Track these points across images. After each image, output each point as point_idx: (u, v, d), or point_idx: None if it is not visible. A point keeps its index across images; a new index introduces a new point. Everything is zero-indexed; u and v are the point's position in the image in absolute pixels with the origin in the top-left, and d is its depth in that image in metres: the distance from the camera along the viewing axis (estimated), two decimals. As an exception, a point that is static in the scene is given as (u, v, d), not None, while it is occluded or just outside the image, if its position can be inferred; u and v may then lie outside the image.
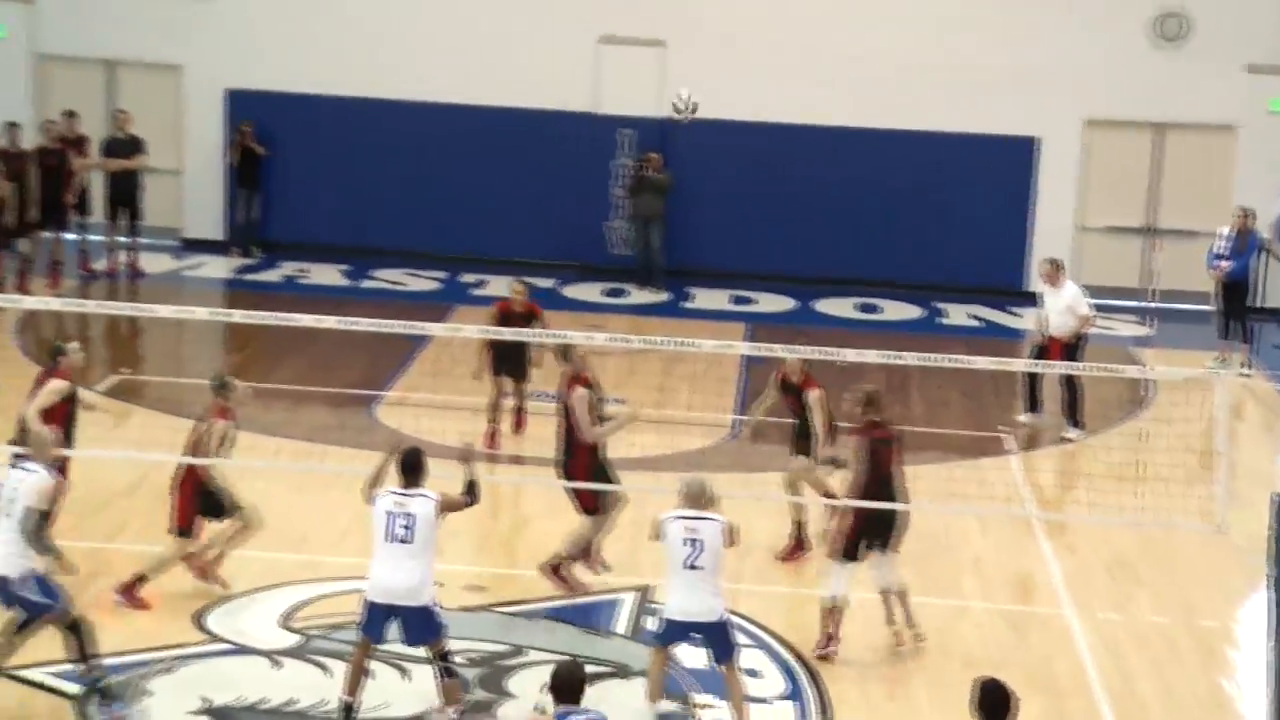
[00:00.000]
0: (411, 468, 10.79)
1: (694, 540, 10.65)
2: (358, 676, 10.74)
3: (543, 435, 15.62)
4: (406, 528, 10.56)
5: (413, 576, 10.57)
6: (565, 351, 13.13)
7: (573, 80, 23.59)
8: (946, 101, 23.46)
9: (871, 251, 23.94)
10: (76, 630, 10.53)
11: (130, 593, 12.20)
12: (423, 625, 10.65)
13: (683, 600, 10.73)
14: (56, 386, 12.85)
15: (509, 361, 16.04)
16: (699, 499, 10.86)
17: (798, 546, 13.93)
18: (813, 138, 23.83)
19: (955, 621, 13.01)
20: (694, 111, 18.40)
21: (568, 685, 8.56)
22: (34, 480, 10.54)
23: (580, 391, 12.87)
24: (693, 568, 10.65)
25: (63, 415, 12.75)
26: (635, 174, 23.66)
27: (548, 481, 13.57)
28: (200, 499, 12.41)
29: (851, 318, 22.97)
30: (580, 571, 12.95)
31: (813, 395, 13.63)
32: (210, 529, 12.59)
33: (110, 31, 23.82)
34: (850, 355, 12.88)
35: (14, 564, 10.40)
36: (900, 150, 23.81)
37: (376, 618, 10.67)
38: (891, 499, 12.16)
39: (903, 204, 23.90)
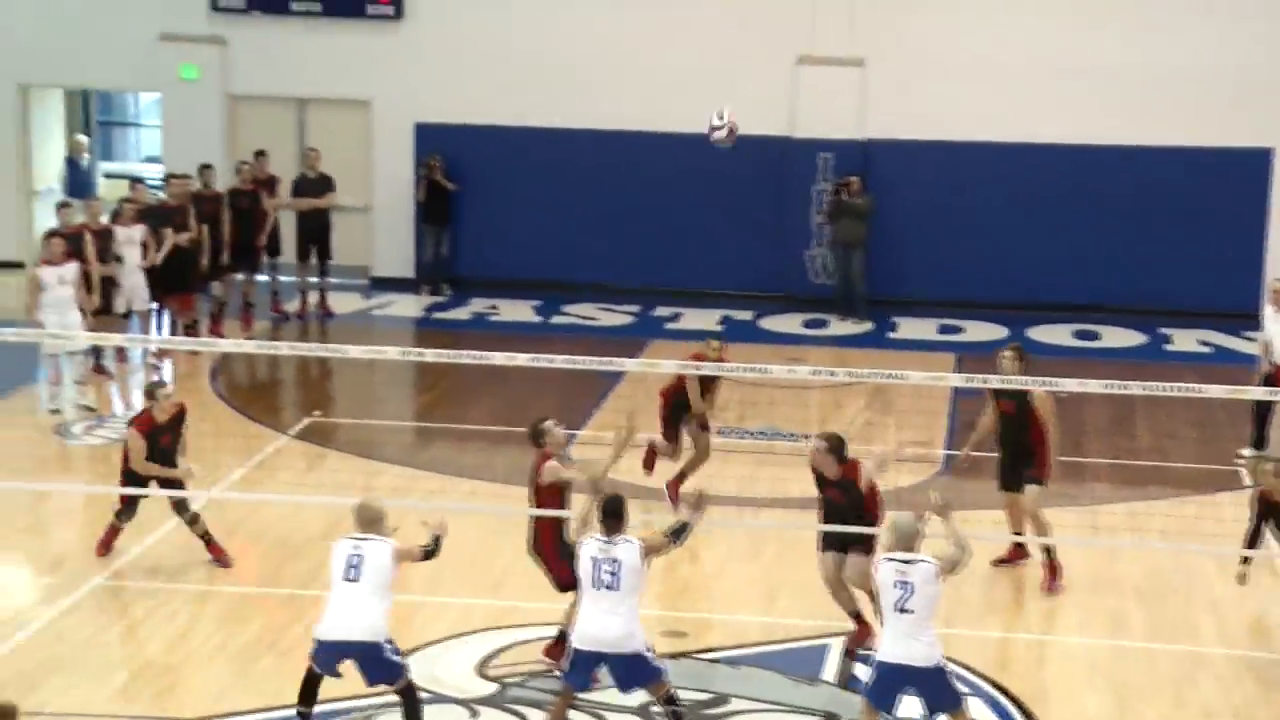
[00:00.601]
0: (614, 514, 10.75)
1: (904, 583, 10.44)
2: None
3: (736, 474, 15.61)
4: (612, 574, 10.53)
5: (622, 624, 10.53)
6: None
7: (769, 103, 23.46)
8: (1171, 113, 22.97)
9: (1089, 274, 23.48)
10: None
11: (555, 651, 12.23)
12: (637, 671, 10.60)
13: (893, 646, 10.52)
14: (132, 440, 13.54)
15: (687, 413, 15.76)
16: (910, 540, 10.66)
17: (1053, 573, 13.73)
18: (1021, 156, 23.48)
19: (1193, 670, 12.61)
20: (732, 134, 17.02)
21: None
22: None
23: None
24: (904, 611, 10.44)
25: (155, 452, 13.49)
26: (834, 199, 23.48)
27: (745, 524, 13.46)
28: (563, 547, 12.19)
29: (1069, 345, 22.52)
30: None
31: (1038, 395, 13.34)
32: None
33: (300, 70, 24.26)
34: (1071, 385, 12.57)
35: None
36: (1119, 166, 23.34)
37: (582, 666, 10.63)
38: None
39: (1123, 223, 23.40)
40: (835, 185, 23.54)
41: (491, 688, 12.00)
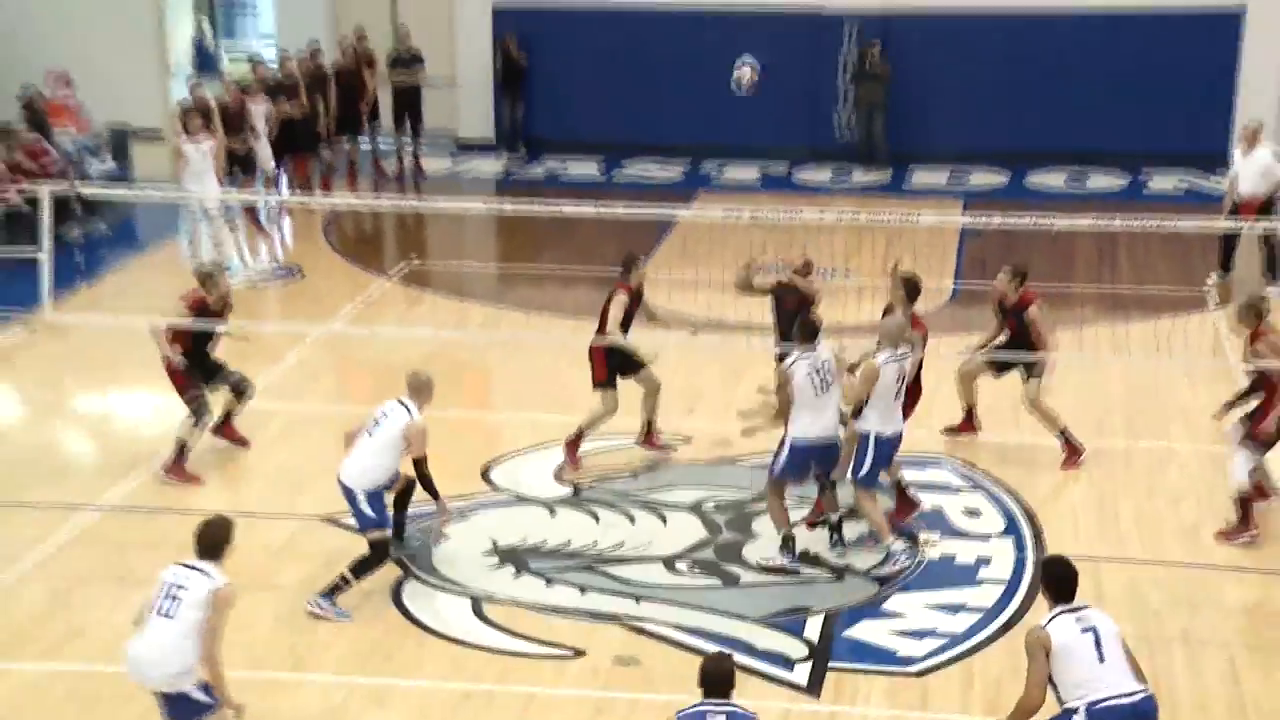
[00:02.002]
0: (811, 333, 10.97)
1: (904, 376, 10.95)
2: (784, 512, 10.99)
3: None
4: (825, 381, 10.78)
5: (833, 422, 10.91)
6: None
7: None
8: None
9: (1079, 126, 23.17)
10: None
11: (573, 450, 12.51)
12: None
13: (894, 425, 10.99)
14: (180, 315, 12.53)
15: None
16: (898, 337, 11.00)
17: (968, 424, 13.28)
18: (1020, 25, 23.07)
19: (1164, 463, 12.74)
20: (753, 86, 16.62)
21: (717, 680, 7.44)
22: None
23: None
24: (898, 397, 10.89)
25: (185, 340, 12.35)
26: (858, 64, 23.27)
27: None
28: (612, 358, 12.39)
29: (1062, 189, 22.36)
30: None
31: (1031, 310, 12.64)
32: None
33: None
34: (1062, 222, 12.54)
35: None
36: (1107, 30, 22.95)
37: (800, 460, 10.88)
38: None
39: (1110, 80, 23.02)
40: (859, 52, 23.31)
41: (566, 490, 12.25)
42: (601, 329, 12.39)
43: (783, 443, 10.92)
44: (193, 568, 8.20)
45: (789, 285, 12.96)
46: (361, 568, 10.34)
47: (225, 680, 8.09)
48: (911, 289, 12.04)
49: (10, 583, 10.65)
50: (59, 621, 10.18)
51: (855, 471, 10.93)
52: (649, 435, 12.86)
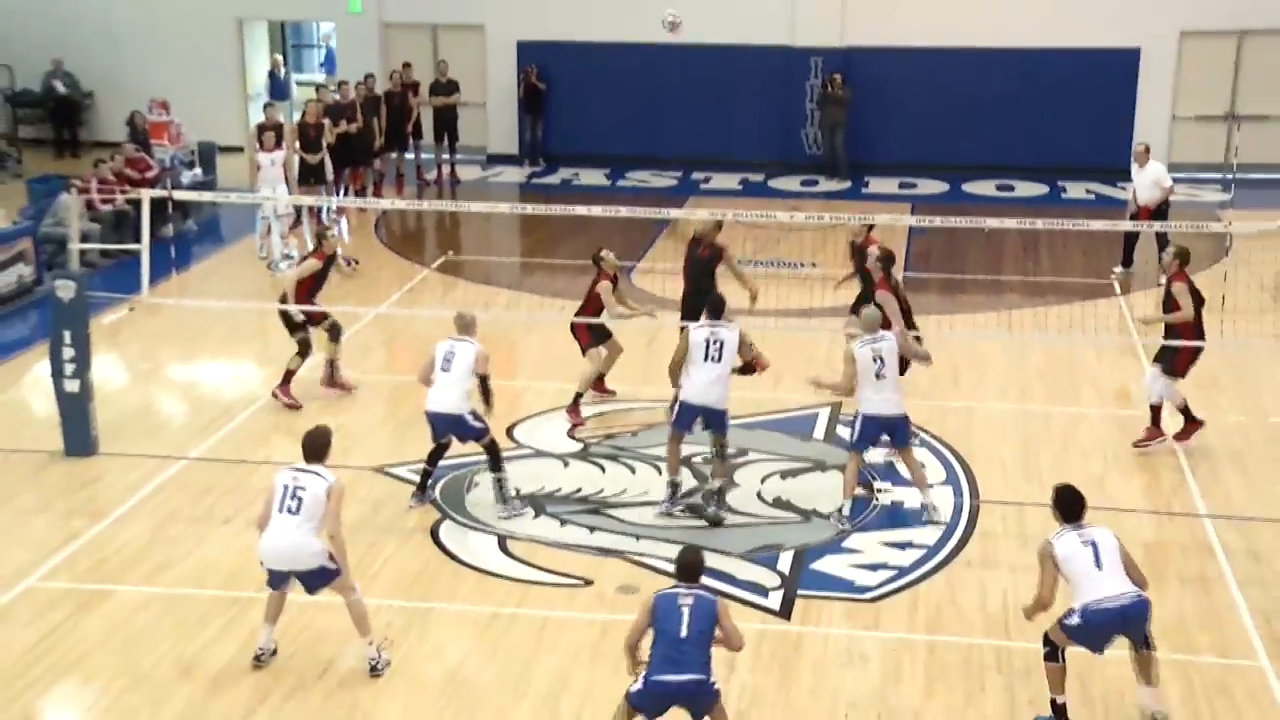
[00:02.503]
0: (716, 310, 10.65)
1: (879, 358, 10.37)
2: (677, 460, 10.72)
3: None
4: (720, 351, 10.41)
5: (721, 389, 10.46)
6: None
7: (774, 21, 23.06)
8: (1065, 21, 22.48)
9: (1008, 143, 23.04)
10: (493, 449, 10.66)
11: (575, 409, 12.44)
12: (721, 421, 10.58)
13: (879, 405, 10.39)
14: (310, 264, 12.77)
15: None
16: (874, 325, 10.60)
17: None
18: (960, 58, 22.90)
19: (1076, 424, 12.64)
20: (677, 27, 16.80)
21: (688, 568, 7.50)
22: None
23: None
24: (880, 377, 10.41)
25: (310, 285, 12.73)
26: (822, 91, 23.09)
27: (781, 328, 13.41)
28: (593, 330, 12.50)
29: (993, 195, 22.21)
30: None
31: (871, 251, 12.58)
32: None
33: (434, 2, 23.95)
34: (993, 223, 12.41)
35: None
36: (1030, 63, 22.79)
37: (688, 416, 10.54)
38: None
39: (1032, 104, 22.92)
40: (823, 81, 23.14)
41: (577, 446, 12.15)
42: (586, 308, 12.39)
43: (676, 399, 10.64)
44: (306, 471, 8.40)
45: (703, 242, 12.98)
46: (499, 464, 10.58)
47: (346, 554, 8.43)
48: (888, 260, 12.21)
49: (116, 520, 10.57)
50: (155, 553, 10.09)
51: (850, 440, 10.72)
52: (600, 383, 12.85)
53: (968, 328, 15.12)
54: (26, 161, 22.69)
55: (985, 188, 22.58)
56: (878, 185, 22.77)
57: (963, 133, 23.17)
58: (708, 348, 10.48)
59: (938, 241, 18.27)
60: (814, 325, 14.66)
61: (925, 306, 14.78)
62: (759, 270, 17.32)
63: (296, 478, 8.36)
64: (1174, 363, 11.71)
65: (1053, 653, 7.91)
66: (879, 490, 11.17)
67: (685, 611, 7.23)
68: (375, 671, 8.50)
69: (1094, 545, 7.78)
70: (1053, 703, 7.95)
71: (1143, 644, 7.88)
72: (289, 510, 8.27)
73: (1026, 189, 22.50)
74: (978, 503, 10.97)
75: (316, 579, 8.41)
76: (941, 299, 16.39)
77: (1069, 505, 8.01)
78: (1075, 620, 7.75)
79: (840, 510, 10.58)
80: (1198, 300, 11.68)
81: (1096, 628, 7.73)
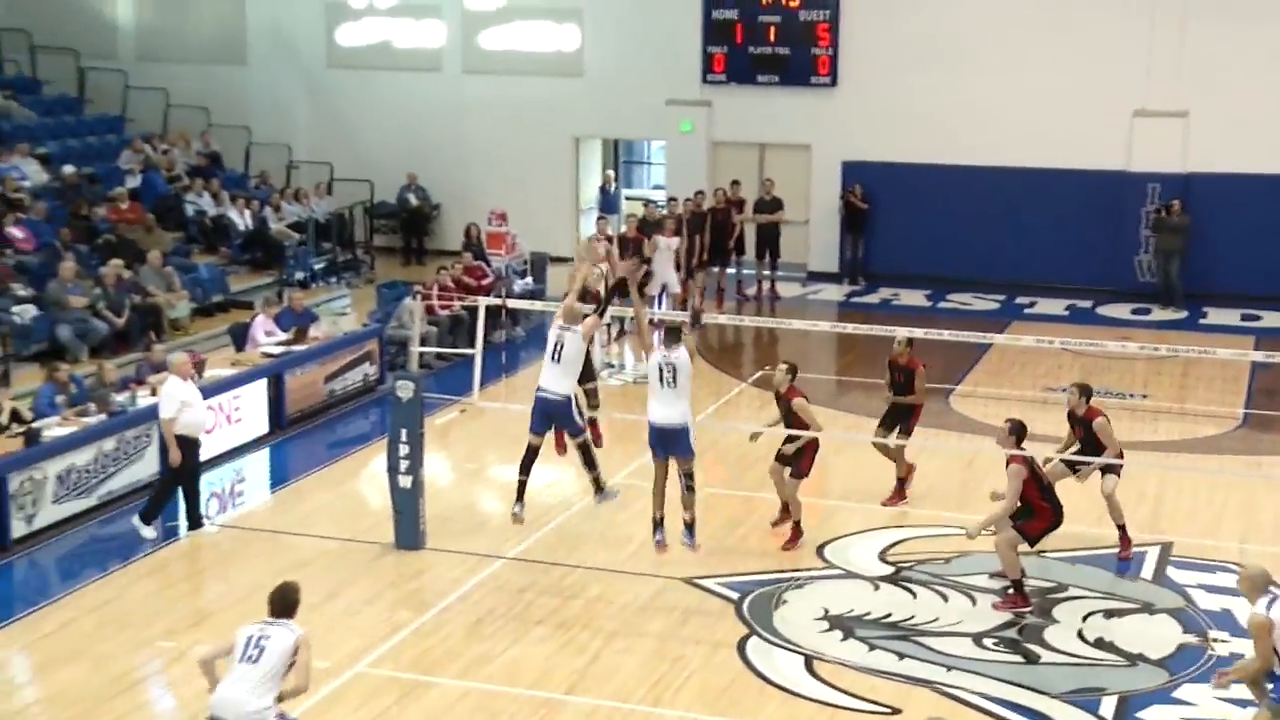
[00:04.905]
0: (672, 335, 11.15)
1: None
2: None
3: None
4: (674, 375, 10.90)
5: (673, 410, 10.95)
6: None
7: (1111, 145, 22.46)
8: None
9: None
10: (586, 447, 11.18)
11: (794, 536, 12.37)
12: (684, 442, 11.09)
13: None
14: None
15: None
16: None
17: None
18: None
19: None
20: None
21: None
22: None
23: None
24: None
25: None
26: (1159, 217, 22.25)
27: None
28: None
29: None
30: None
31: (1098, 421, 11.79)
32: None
33: (763, 123, 24.42)
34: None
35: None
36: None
37: (653, 438, 11.03)
38: None
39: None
40: (1160, 207, 22.30)
41: (889, 569, 11.92)
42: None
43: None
44: (273, 624, 7.95)
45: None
46: (592, 461, 11.07)
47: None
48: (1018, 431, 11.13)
49: (439, 613, 11.00)
50: (473, 648, 10.44)
51: None
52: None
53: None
54: (378, 268, 24.30)
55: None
56: (1217, 316, 21.66)
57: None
58: (661, 373, 10.83)
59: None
60: (1145, 459, 13.98)
61: (1271, 447, 13.88)
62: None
63: (263, 629, 7.90)
64: None
65: None
66: (1214, 640, 10.47)
67: None
68: None
69: None
70: None
71: None
72: (249, 659, 7.80)
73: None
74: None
75: None
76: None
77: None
78: None
79: None
80: None
81: None
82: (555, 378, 10.98)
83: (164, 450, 12.53)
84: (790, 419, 12.33)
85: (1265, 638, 8.24)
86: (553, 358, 10.98)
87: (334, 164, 25.00)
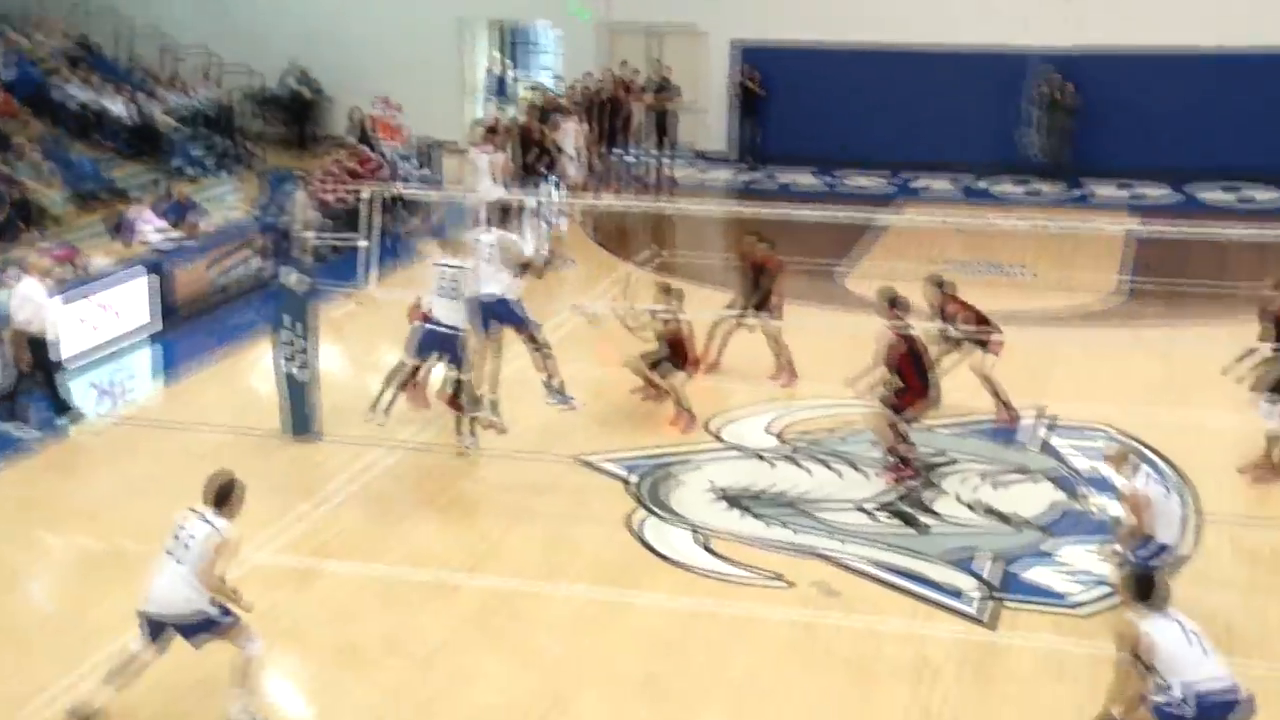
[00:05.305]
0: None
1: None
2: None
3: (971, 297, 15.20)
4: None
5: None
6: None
7: (998, 23, 22.59)
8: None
9: (1242, 145, 22.02)
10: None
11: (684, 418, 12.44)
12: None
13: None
14: None
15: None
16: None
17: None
18: (1188, 62, 22.06)
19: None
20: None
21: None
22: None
23: None
24: None
25: None
26: (1052, 98, 22.51)
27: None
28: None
29: (1224, 203, 21.26)
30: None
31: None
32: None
33: (655, 6, 24.20)
34: (1228, 233, 11.87)
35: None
36: (1269, 65, 21.77)
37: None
38: None
39: (1267, 108, 21.88)
40: (1050, 87, 22.57)
41: (778, 443, 12.10)
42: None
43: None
44: (197, 514, 7.77)
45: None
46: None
47: (235, 594, 7.89)
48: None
49: (337, 503, 10.99)
50: (371, 535, 10.47)
51: None
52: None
53: (1192, 339, 14.51)
54: (266, 159, 23.76)
55: (1216, 194, 21.65)
56: (1099, 191, 22.08)
57: (1192, 136, 22.25)
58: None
59: (1162, 250, 17.59)
60: (1027, 332, 14.29)
61: (1147, 316, 14.29)
62: (972, 273, 17.01)
63: (187, 518, 7.74)
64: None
65: None
66: (1089, 501, 10.84)
67: None
68: None
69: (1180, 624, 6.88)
70: None
71: None
72: (175, 555, 7.66)
73: (1264, 195, 21.48)
74: (1200, 519, 10.53)
75: (198, 629, 7.75)
76: (1165, 308, 15.79)
77: (1151, 588, 6.96)
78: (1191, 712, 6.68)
79: None
80: None
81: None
82: (447, 311, 11.17)
83: (35, 348, 12.24)
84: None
85: (1147, 509, 8.48)
86: (446, 294, 11.10)
87: (217, 53, 24.32)
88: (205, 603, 7.71)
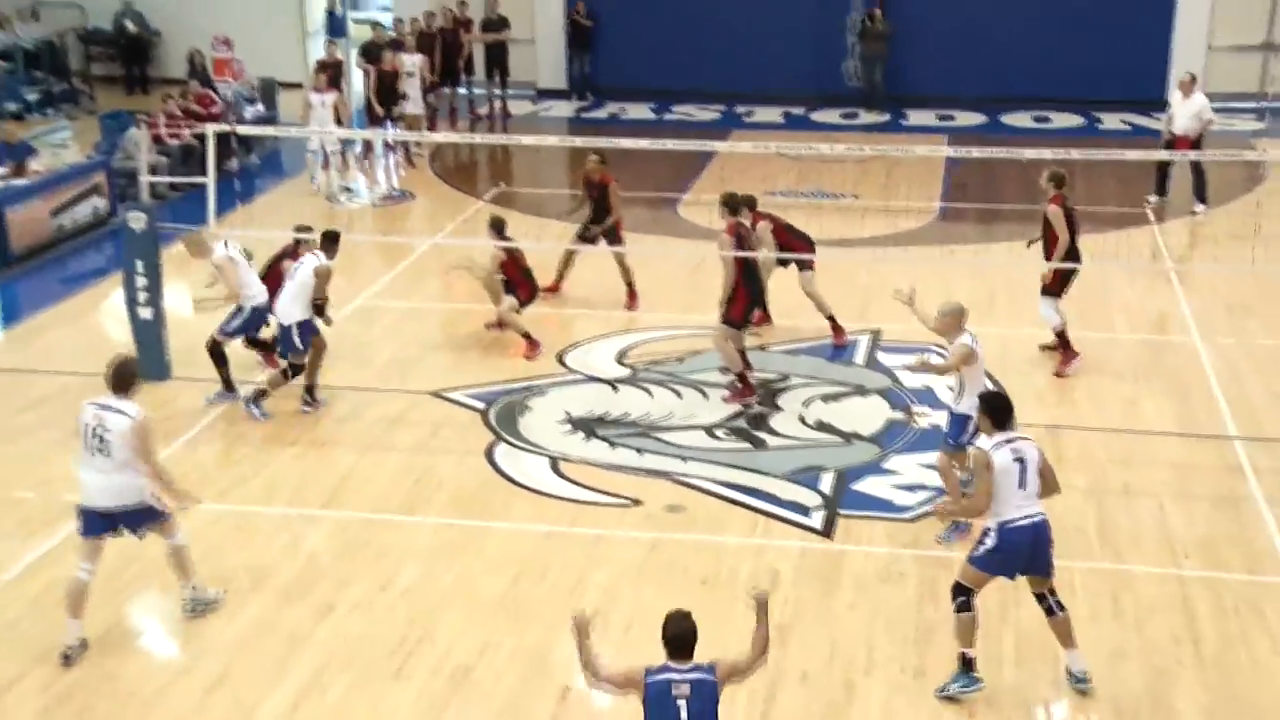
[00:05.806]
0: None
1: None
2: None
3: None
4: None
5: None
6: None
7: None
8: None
9: (1045, 75, 22.62)
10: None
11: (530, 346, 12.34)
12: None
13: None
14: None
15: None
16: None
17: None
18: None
19: (1109, 348, 12.50)
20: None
21: (679, 640, 6.02)
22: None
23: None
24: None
25: None
26: (863, 24, 22.75)
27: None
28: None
29: (1030, 126, 21.85)
30: None
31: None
32: None
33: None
34: (1030, 154, 12.23)
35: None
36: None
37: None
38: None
39: (1069, 36, 22.48)
40: (864, 14, 22.78)
41: (627, 371, 12.14)
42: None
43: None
44: (107, 408, 7.56)
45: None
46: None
47: (174, 481, 7.91)
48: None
49: (189, 441, 10.67)
50: (226, 472, 10.22)
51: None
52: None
53: (1004, 256, 14.92)
54: (99, 99, 22.73)
55: (1023, 119, 22.22)
56: (916, 118, 22.46)
57: (1002, 64, 22.77)
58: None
59: (975, 173, 18.03)
60: (855, 255, 14.54)
61: (963, 236, 14.62)
62: (802, 201, 17.21)
63: (99, 416, 7.51)
64: (1052, 283, 11.71)
65: (965, 603, 7.40)
66: (917, 414, 11.11)
67: (682, 706, 5.86)
68: (194, 612, 8.17)
69: (1022, 462, 7.22)
70: (962, 656, 7.44)
71: (1054, 603, 7.42)
72: (100, 452, 7.50)
73: (1063, 120, 22.12)
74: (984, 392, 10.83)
75: (142, 518, 7.77)
76: (979, 228, 16.21)
77: (1001, 412, 7.36)
78: (991, 541, 7.24)
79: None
80: (1072, 224, 11.59)
81: (1011, 548, 7.23)
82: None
83: None
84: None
85: (972, 363, 8.78)
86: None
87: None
88: (148, 494, 7.70)
